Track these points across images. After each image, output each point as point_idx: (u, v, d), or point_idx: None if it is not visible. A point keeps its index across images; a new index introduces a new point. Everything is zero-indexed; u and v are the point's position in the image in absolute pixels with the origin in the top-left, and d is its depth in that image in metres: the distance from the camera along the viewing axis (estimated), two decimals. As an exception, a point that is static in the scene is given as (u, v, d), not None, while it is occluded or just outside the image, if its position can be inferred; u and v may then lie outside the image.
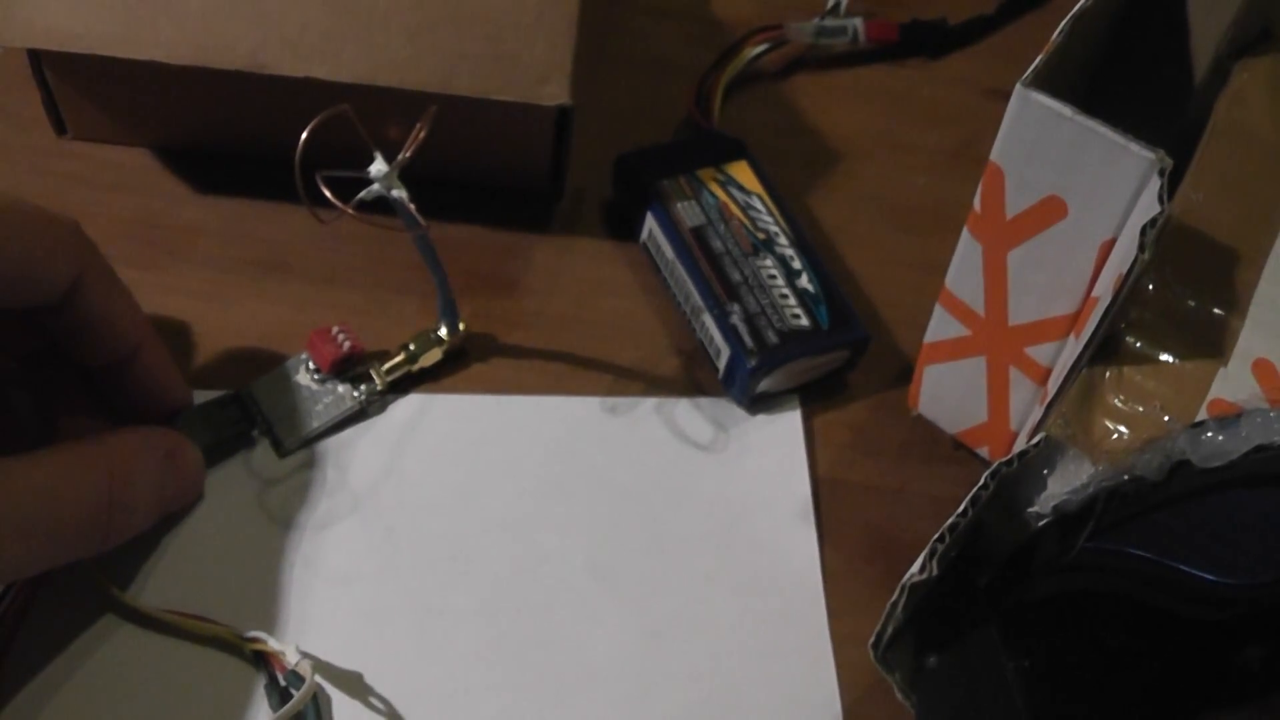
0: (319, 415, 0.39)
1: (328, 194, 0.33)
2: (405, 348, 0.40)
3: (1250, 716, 0.35)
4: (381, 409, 0.40)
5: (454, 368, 0.41)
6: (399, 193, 0.35)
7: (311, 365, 0.40)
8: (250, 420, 0.39)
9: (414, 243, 0.37)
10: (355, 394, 0.40)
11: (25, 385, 0.37)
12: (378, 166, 0.34)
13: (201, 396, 0.39)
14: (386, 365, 0.40)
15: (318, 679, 0.34)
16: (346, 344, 0.40)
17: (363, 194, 0.34)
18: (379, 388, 0.40)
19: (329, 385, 0.40)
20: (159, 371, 0.37)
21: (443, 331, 0.41)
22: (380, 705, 0.35)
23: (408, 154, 0.35)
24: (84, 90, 0.43)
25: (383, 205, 0.35)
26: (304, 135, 0.33)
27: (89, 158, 0.45)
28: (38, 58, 0.42)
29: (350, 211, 0.34)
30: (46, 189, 0.44)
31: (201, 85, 0.41)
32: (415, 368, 0.41)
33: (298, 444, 0.39)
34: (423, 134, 0.34)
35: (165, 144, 0.45)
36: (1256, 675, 0.35)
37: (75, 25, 0.39)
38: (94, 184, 0.44)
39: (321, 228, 0.44)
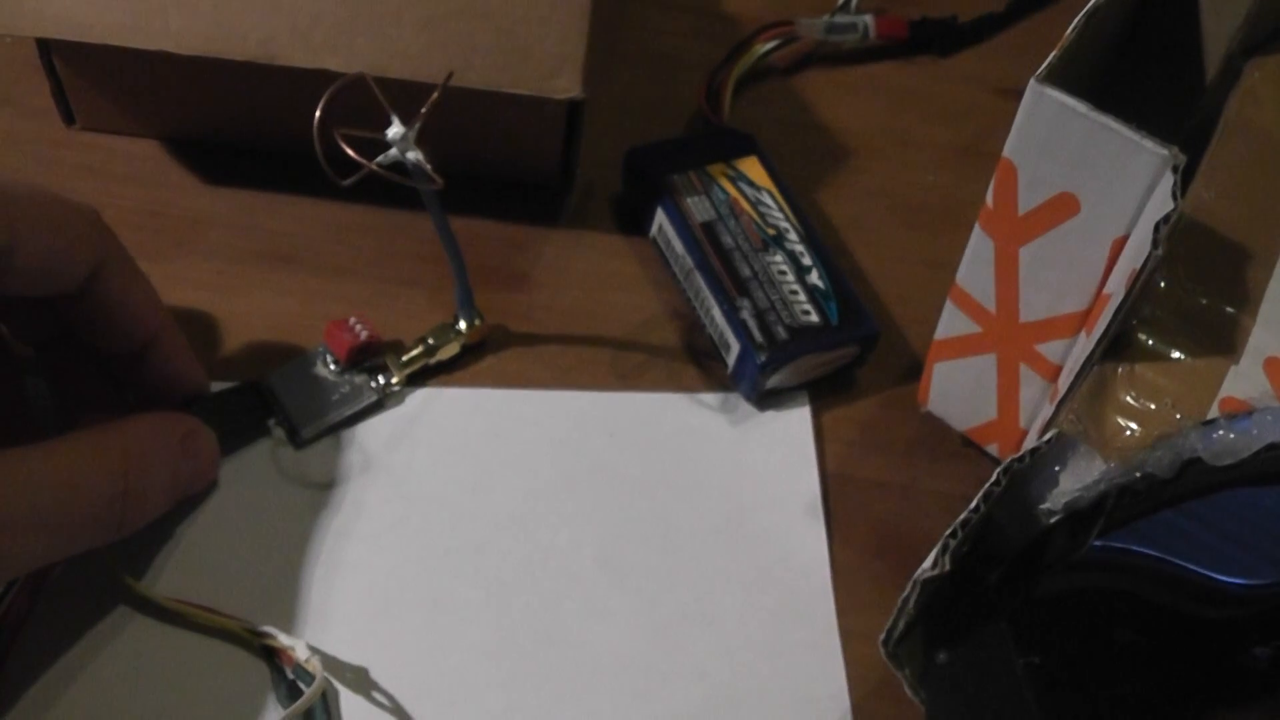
0: (336, 406, 0.39)
1: (349, 151, 0.33)
2: (423, 340, 0.40)
3: (1258, 715, 0.35)
4: (399, 401, 0.40)
5: (465, 360, 0.41)
6: (415, 154, 0.35)
7: (329, 357, 0.40)
8: (267, 410, 0.39)
9: (428, 208, 0.36)
10: (372, 385, 0.40)
11: (42, 373, 0.37)
12: (395, 129, 0.34)
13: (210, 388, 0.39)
14: (405, 357, 0.40)
15: (325, 674, 0.34)
16: (364, 333, 0.40)
17: (380, 157, 0.34)
18: (396, 381, 0.40)
19: (346, 376, 0.40)
20: (176, 358, 0.37)
21: (461, 325, 0.41)
22: (389, 699, 0.35)
23: (424, 111, 0.34)
24: (93, 80, 0.43)
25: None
26: (324, 98, 0.33)
27: (98, 148, 0.45)
28: (47, 47, 0.42)
29: (371, 166, 0.34)
30: (55, 179, 0.44)
31: (211, 76, 0.41)
32: (433, 360, 0.41)
33: (314, 434, 0.39)
34: (439, 99, 0.34)
35: (174, 135, 0.45)
36: (1265, 674, 0.35)
37: (85, 15, 0.39)
38: (102, 174, 0.44)
39: (330, 220, 0.44)
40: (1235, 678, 0.35)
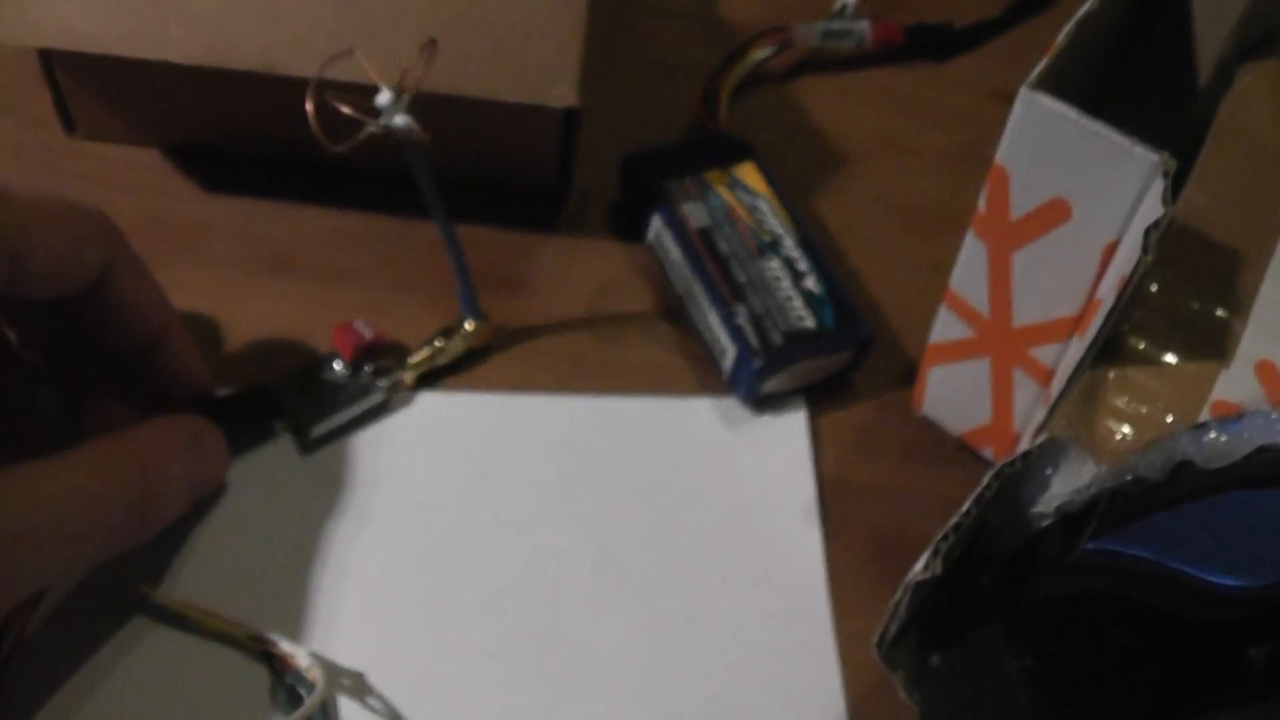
0: (343, 406, 0.39)
1: (346, 109, 0.33)
2: (430, 341, 0.41)
3: (1253, 716, 0.35)
4: (405, 403, 0.40)
5: (467, 364, 0.42)
6: (403, 119, 0.35)
7: (337, 362, 0.40)
8: (274, 411, 0.39)
9: (430, 210, 0.37)
10: (379, 385, 0.40)
11: (52, 379, 0.37)
12: (384, 95, 0.34)
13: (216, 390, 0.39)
14: (411, 359, 0.40)
15: (325, 679, 0.34)
16: (370, 334, 0.40)
17: (370, 125, 0.34)
18: (404, 382, 0.40)
19: (354, 380, 0.40)
20: (184, 357, 0.37)
21: (467, 325, 0.41)
22: (386, 704, 0.35)
23: (413, 76, 0.34)
24: (94, 90, 0.44)
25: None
26: (319, 70, 0.34)
27: (98, 157, 0.45)
28: (48, 57, 0.42)
29: (370, 123, 0.34)
30: (57, 188, 0.44)
31: (211, 85, 0.42)
32: (440, 362, 0.41)
33: (322, 434, 0.39)
34: (425, 66, 0.34)
35: (175, 143, 0.46)
36: (1260, 676, 0.35)
37: (86, 25, 0.39)
38: (103, 183, 0.45)
39: (331, 227, 0.44)
40: (1230, 679, 0.35)
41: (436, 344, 0.41)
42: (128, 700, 0.34)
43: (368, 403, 0.40)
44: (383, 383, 0.40)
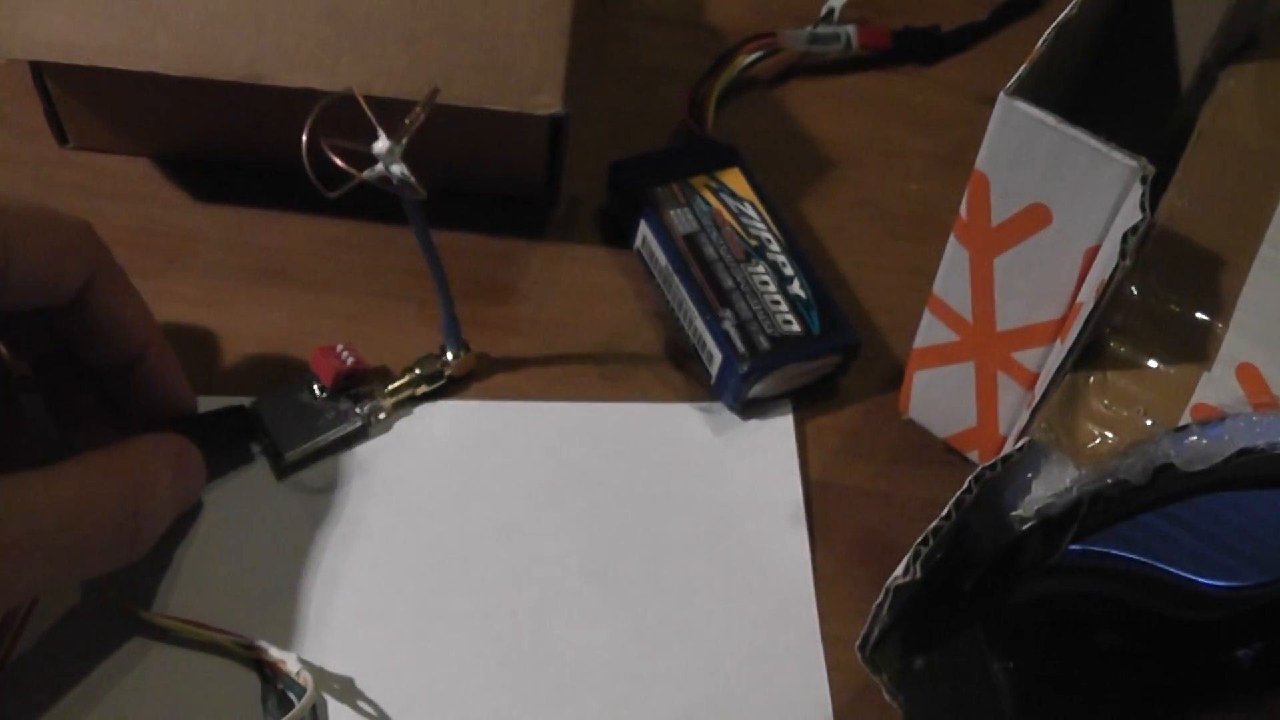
0: (320, 431, 0.39)
1: (339, 162, 0.34)
2: (410, 370, 0.41)
3: (1241, 717, 0.35)
4: (384, 430, 0.40)
5: (443, 393, 0.41)
6: (399, 167, 0.35)
7: (315, 383, 0.40)
8: (251, 433, 0.39)
9: (415, 229, 0.37)
10: (357, 410, 0.40)
11: (39, 390, 0.37)
12: (381, 143, 0.35)
13: (200, 404, 0.39)
14: (390, 387, 0.40)
15: (314, 684, 0.35)
16: (350, 360, 0.40)
17: (367, 171, 0.35)
18: (383, 412, 0.40)
19: (331, 404, 0.40)
20: (166, 372, 0.37)
21: (448, 355, 0.41)
22: (375, 708, 0.35)
23: (411, 125, 0.35)
24: (85, 101, 0.44)
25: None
26: (313, 113, 0.34)
27: (90, 167, 0.45)
28: (39, 69, 0.42)
29: (361, 176, 0.34)
30: (48, 198, 0.43)
31: (200, 95, 0.42)
32: (419, 391, 0.41)
33: (298, 458, 0.39)
34: (423, 114, 0.35)
35: (165, 153, 0.46)
36: (1244, 676, 0.35)
37: (76, 37, 0.40)
38: (95, 193, 0.45)
39: (320, 235, 0.45)
40: (1218, 680, 0.36)
41: (417, 371, 0.41)
42: (121, 713, 0.34)
43: (344, 429, 0.40)
44: (361, 409, 0.40)
